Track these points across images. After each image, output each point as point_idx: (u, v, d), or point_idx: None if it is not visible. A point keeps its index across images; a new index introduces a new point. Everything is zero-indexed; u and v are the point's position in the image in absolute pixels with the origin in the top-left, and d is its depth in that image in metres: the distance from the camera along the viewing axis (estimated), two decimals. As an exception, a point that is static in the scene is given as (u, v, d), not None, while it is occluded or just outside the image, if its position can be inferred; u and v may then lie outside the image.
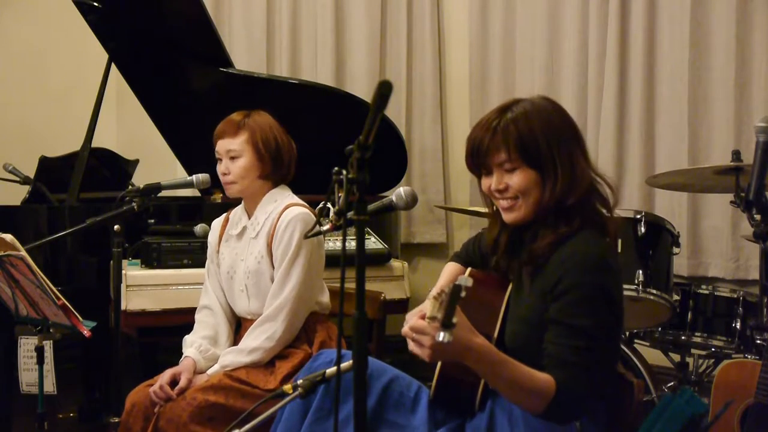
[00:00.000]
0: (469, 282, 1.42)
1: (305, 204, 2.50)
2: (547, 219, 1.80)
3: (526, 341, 1.77)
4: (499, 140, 1.77)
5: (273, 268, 2.46)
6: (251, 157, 2.47)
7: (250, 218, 2.54)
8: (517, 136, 1.76)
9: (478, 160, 1.82)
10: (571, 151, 1.79)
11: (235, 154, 2.47)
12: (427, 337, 1.58)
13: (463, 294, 1.44)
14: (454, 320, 1.45)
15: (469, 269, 1.97)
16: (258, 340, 2.40)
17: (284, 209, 2.46)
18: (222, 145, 2.49)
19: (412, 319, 1.65)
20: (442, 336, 1.45)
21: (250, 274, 2.48)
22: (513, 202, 1.81)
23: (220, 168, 2.51)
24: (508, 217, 1.83)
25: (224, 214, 2.65)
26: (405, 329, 1.64)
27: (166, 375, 2.37)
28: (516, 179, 1.78)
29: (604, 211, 1.83)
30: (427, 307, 1.55)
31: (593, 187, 1.82)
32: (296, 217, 2.42)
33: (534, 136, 1.76)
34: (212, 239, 2.63)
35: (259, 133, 2.47)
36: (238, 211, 2.60)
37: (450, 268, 2.11)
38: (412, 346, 1.63)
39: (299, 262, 2.41)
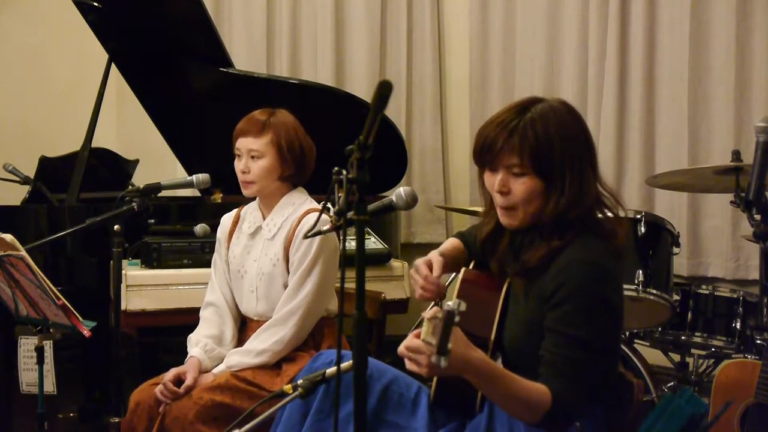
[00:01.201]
0: (463, 306, 1.42)
1: None
2: (544, 229, 1.78)
3: (524, 344, 1.77)
4: (514, 143, 1.73)
5: (288, 273, 2.44)
6: (274, 159, 2.44)
7: (265, 218, 2.52)
8: (534, 143, 1.72)
9: (487, 158, 1.79)
10: (582, 166, 1.76)
11: (257, 154, 2.43)
12: (423, 356, 1.57)
13: (456, 319, 1.43)
14: (449, 346, 1.45)
15: (463, 269, 1.96)
16: (266, 342, 2.40)
17: (304, 214, 2.44)
18: (244, 144, 2.45)
19: (408, 338, 1.64)
20: (435, 359, 1.46)
21: (263, 276, 2.47)
22: (512, 210, 1.79)
23: (239, 166, 2.47)
24: (504, 220, 1.82)
25: (235, 210, 2.63)
26: (401, 348, 1.62)
27: (170, 374, 2.37)
28: (521, 185, 1.76)
29: (609, 215, 1.81)
30: (422, 328, 1.55)
31: (598, 200, 1.80)
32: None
33: (549, 146, 1.72)
34: (221, 235, 2.61)
35: (285, 135, 2.44)
36: (250, 209, 2.58)
37: (452, 242, 2.08)
38: (409, 364, 1.62)
39: (316, 271, 2.40)
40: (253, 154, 2.44)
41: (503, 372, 1.66)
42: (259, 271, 2.48)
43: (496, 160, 1.77)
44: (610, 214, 1.81)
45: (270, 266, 2.46)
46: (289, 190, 2.51)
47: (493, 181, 1.79)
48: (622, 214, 1.82)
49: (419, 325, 1.66)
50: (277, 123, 2.45)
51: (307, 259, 2.40)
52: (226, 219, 2.63)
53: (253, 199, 2.58)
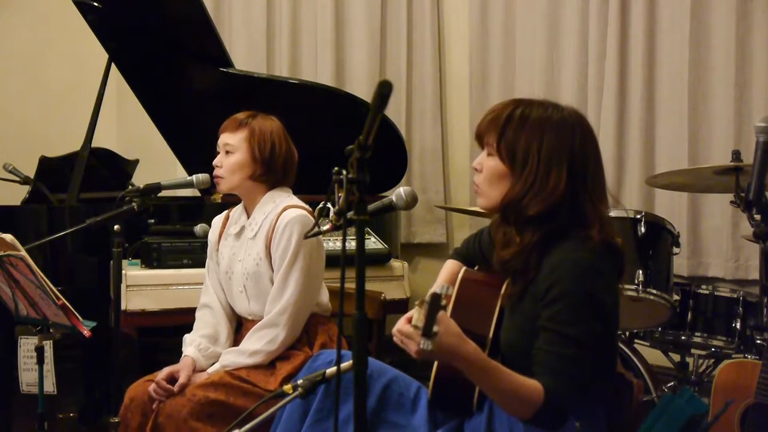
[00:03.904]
0: (450, 290, 1.46)
1: (305, 205, 2.49)
2: (509, 223, 1.81)
3: (520, 344, 1.78)
4: (490, 125, 1.81)
5: (272, 270, 2.45)
6: (244, 156, 2.47)
7: (248, 218, 2.54)
8: (502, 126, 1.79)
9: (480, 140, 1.86)
10: (552, 165, 1.76)
11: (230, 149, 2.48)
12: (413, 343, 1.61)
13: (443, 303, 1.47)
14: (435, 329, 1.49)
15: (463, 269, 1.97)
16: (259, 343, 2.40)
17: (282, 211, 2.45)
18: (222, 139, 2.52)
19: (399, 322, 1.68)
20: (422, 344, 1.50)
21: (248, 275, 2.47)
22: (477, 188, 1.85)
23: (215, 161, 2.52)
24: (477, 200, 1.87)
25: (225, 212, 2.65)
26: (394, 331, 1.67)
27: (163, 372, 2.38)
28: (488, 164, 1.82)
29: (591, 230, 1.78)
30: (414, 314, 1.58)
31: (571, 209, 1.77)
32: (294, 219, 2.41)
33: (518, 135, 1.77)
34: (212, 237, 2.63)
35: (259, 135, 2.47)
36: (238, 210, 2.60)
37: (449, 266, 2.11)
38: (401, 346, 1.66)
39: (298, 265, 2.41)
40: (227, 149, 2.49)
41: (495, 366, 1.67)
42: (244, 272, 2.48)
43: (482, 144, 1.85)
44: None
45: (254, 265, 2.46)
46: (270, 190, 2.52)
47: None
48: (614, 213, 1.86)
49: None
50: (254, 123, 2.50)
51: (287, 255, 2.40)
52: (216, 221, 2.66)
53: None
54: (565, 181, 1.76)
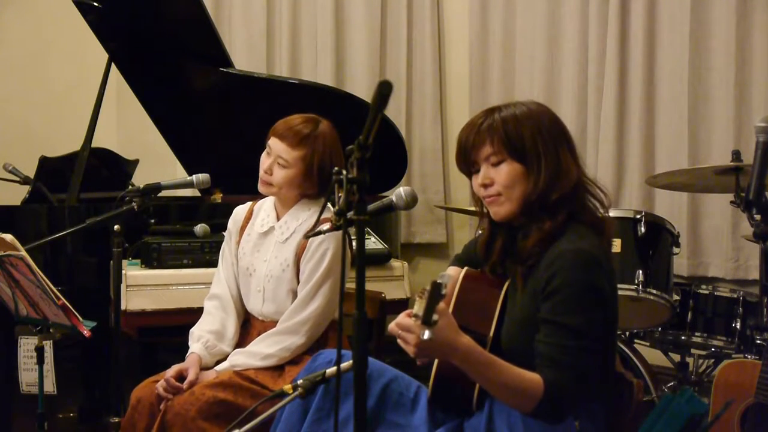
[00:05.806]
0: (449, 279, 1.45)
1: None
2: (533, 215, 1.81)
3: (520, 342, 1.78)
4: (484, 136, 1.81)
5: (296, 279, 2.44)
6: (299, 173, 2.41)
7: (279, 219, 2.51)
8: (502, 129, 1.80)
9: (466, 158, 1.85)
10: (558, 148, 1.81)
11: (284, 163, 2.41)
12: (412, 335, 1.61)
13: (443, 292, 1.47)
14: (435, 318, 1.49)
15: (465, 269, 1.97)
16: (274, 348, 2.39)
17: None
18: (276, 148, 2.42)
19: (399, 316, 1.68)
20: (422, 333, 1.50)
21: (271, 278, 2.45)
22: (496, 198, 1.83)
23: (265, 164, 2.44)
24: (493, 210, 1.85)
25: (249, 204, 2.61)
26: (392, 326, 1.67)
27: (171, 370, 2.37)
28: (501, 173, 1.80)
29: (598, 209, 1.84)
30: (414, 305, 1.58)
31: (581, 185, 1.83)
32: (331, 235, 2.36)
33: (519, 130, 1.79)
34: (233, 227, 2.58)
35: (319, 155, 2.40)
36: (265, 206, 2.55)
37: (449, 272, 2.11)
38: (399, 342, 1.66)
39: (327, 283, 2.39)
40: (280, 162, 2.42)
41: (492, 359, 1.68)
42: (268, 273, 2.47)
43: (474, 159, 1.84)
44: (598, 209, 1.84)
45: (279, 270, 2.45)
46: (306, 195, 2.49)
47: (479, 179, 1.85)
48: (607, 205, 1.87)
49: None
50: (315, 141, 2.41)
51: (320, 269, 2.39)
52: (240, 212, 2.61)
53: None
54: (571, 159, 1.82)
